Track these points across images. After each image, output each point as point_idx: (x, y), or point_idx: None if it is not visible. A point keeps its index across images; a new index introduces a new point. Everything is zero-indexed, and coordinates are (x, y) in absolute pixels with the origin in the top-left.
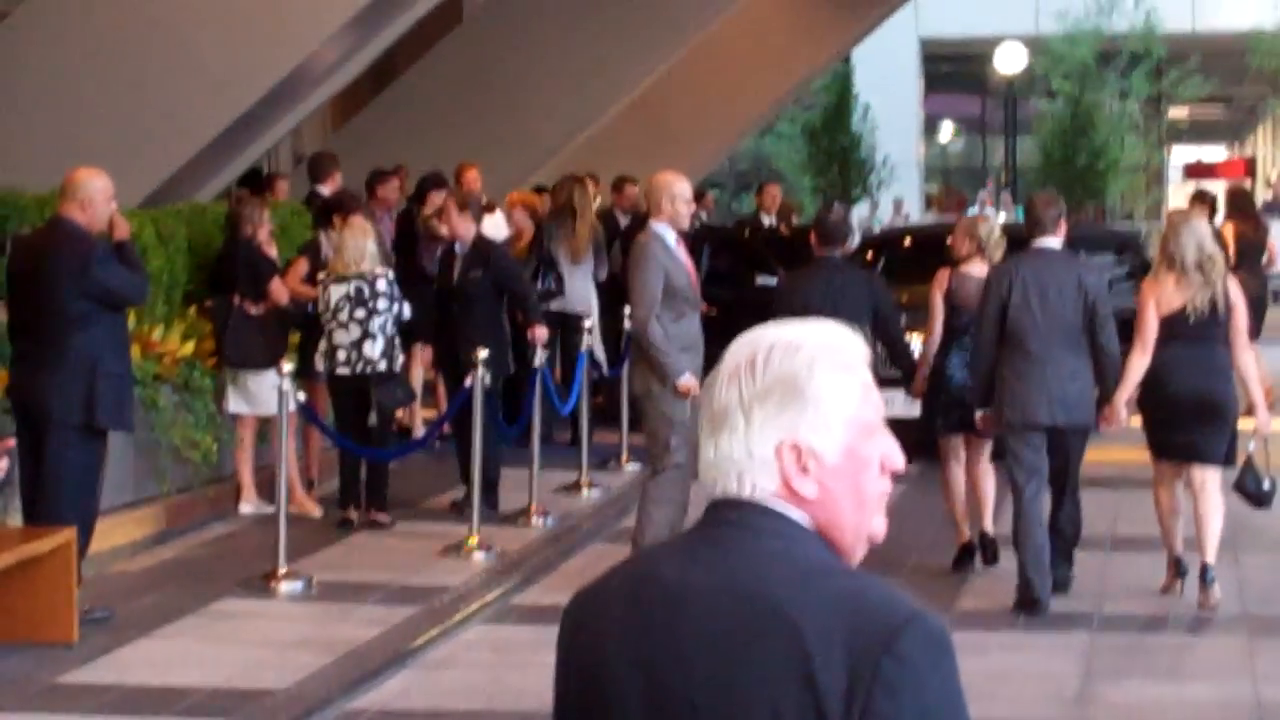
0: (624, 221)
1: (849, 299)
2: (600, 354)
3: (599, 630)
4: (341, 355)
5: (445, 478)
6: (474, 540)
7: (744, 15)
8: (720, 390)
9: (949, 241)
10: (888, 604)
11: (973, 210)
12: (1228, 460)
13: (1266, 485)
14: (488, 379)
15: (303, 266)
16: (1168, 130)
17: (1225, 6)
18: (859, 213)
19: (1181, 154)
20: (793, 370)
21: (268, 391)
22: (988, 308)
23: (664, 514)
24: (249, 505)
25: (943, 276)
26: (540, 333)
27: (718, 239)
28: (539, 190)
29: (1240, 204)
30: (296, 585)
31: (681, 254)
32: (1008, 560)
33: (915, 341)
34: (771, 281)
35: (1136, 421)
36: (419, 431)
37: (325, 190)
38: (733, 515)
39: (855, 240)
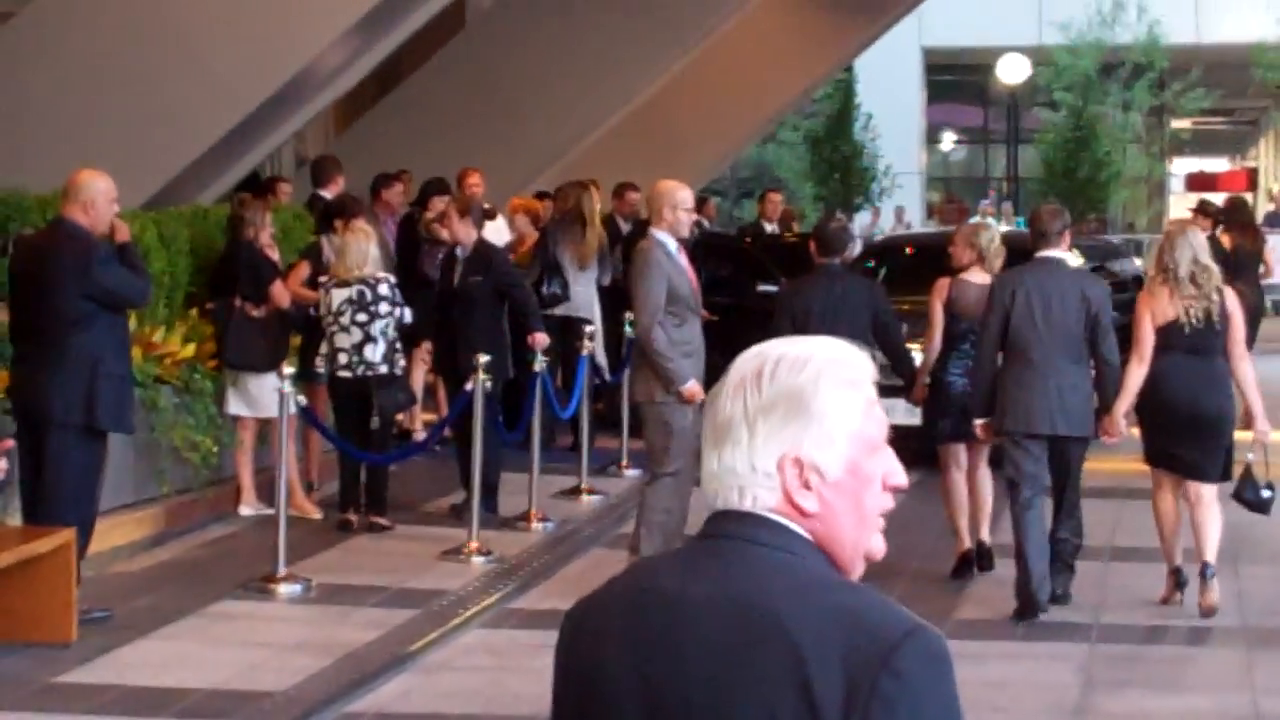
0: (625, 228)
1: (849, 307)
2: (602, 359)
3: (598, 638)
4: (342, 358)
5: (445, 481)
6: (473, 544)
7: (748, 23)
8: (725, 402)
9: (949, 250)
10: (886, 619)
11: (974, 219)
12: (1225, 475)
13: (1265, 493)
14: (488, 384)
15: (304, 270)
16: (1170, 142)
17: (1229, 19)
18: (861, 220)
19: (1183, 166)
20: (798, 385)
21: (268, 394)
22: (991, 316)
23: (662, 521)
24: (249, 507)
25: (942, 285)
26: (541, 338)
27: (718, 246)
28: (541, 196)
29: (1237, 215)
30: (296, 588)
31: (683, 260)
32: (1006, 569)
33: (916, 351)
34: (773, 289)
35: (1136, 432)
36: (419, 435)
37: (327, 194)
38: (734, 527)
39: (857, 249)
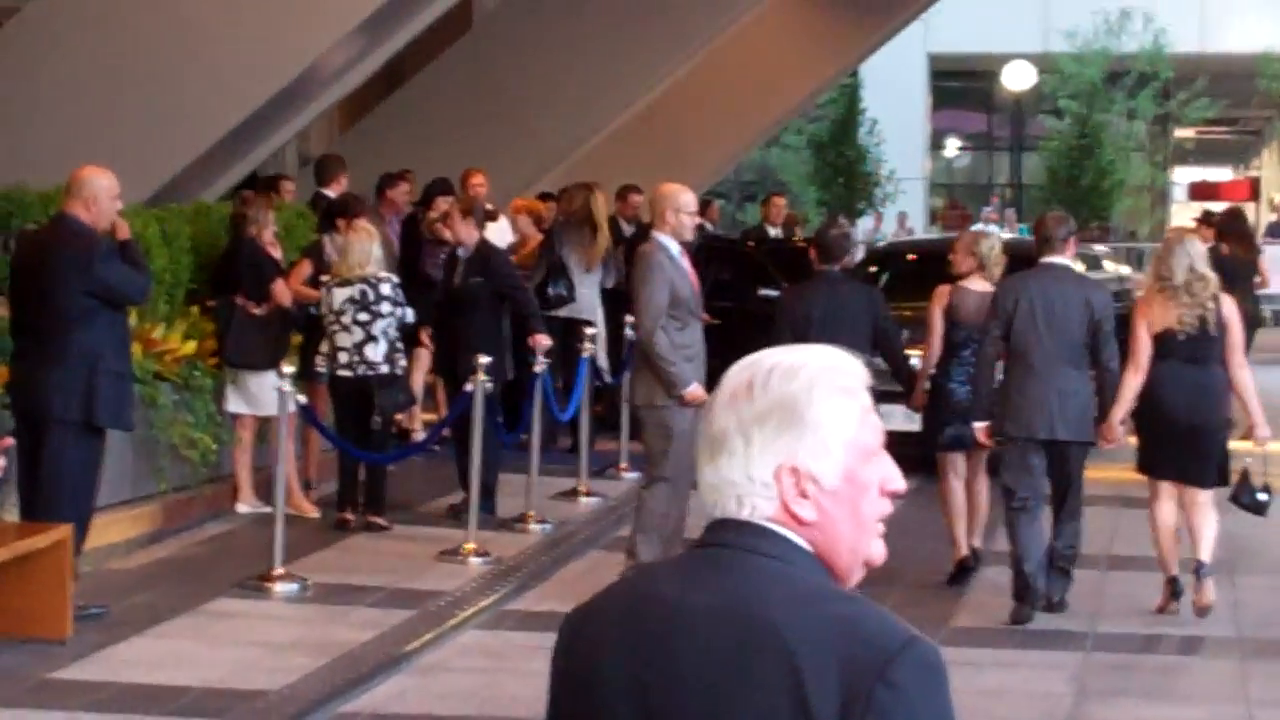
0: (628, 230)
1: (849, 312)
2: (603, 361)
3: (595, 644)
4: (343, 357)
5: (443, 482)
6: (471, 545)
7: (753, 27)
8: (719, 413)
9: (950, 257)
10: (883, 630)
11: (977, 226)
12: (1222, 481)
13: (1261, 496)
14: (488, 385)
15: (306, 268)
16: (1174, 151)
17: (1234, 28)
18: (864, 225)
19: (1186, 174)
20: (792, 393)
21: (268, 392)
22: (993, 322)
23: (659, 525)
24: (246, 505)
25: (943, 292)
26: (542, 340)
27: (721, 250)
28: (544, 197)
29: (1233, 225)
30: (292, 586)
31: (685, 264)
32: (1001, 575)
33: (916, 359)
34: (775, 293)
35: (1134, 439)
36: (418, 435)
37: (331, 192)
38: (733, 536)
39: (859, 255)
